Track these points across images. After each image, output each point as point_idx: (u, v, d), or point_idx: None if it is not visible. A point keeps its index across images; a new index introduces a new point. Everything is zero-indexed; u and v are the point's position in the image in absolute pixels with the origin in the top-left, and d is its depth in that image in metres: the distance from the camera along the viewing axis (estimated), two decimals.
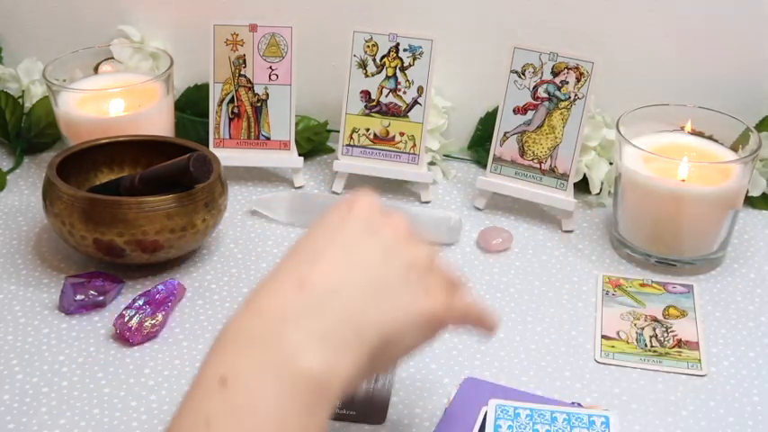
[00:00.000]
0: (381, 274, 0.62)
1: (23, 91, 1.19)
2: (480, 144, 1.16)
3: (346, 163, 1.09)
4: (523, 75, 1.03)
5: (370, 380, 0.82)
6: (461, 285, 0.68)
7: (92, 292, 0.92)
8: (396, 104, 1.07)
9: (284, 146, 1.10)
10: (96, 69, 1.14)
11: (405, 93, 1.07)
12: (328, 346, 0.58)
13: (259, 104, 1.10)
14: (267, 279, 0.62)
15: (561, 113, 1.02)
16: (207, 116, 1.11)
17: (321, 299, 0.59)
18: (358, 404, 0.81)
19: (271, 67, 1.09)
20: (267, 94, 1.10)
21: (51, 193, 0.94)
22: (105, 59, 1.15)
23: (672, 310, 0.93)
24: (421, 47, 1.06)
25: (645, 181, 0.96)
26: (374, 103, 1.08)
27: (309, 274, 0.60)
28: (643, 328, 0.90)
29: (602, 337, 0.89)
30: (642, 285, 0.96)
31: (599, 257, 1.01)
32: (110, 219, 0.91)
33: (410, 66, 1.06)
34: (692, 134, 1.01)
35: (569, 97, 1.02)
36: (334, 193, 1.10)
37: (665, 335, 0.89)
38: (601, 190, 1.08)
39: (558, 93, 1.02)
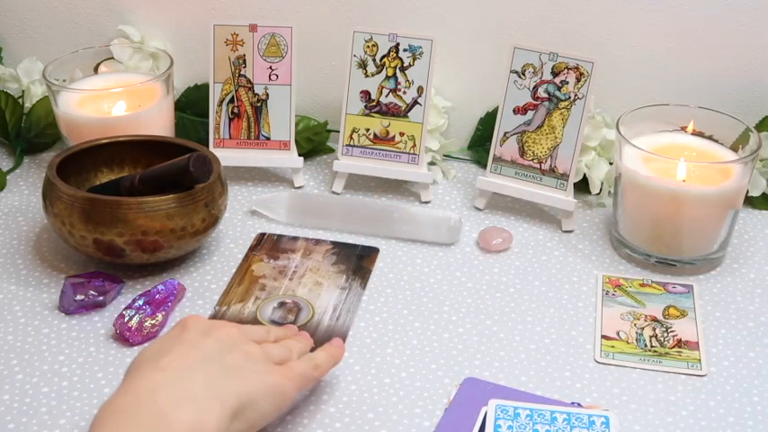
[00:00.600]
0: (227, 358, 0.73)
1: (23, 91, 1.19)
2: (480, 144, 1.16)
3: (346, 163, 1.09)
4: (523, 75, 1.03)
5: (332, 316, 0.91)
6: (292, 360, 0.79)
7: (92, 292, 0.92)
8: (396, 104, 1.07)
9: (284, 146, 1.10)
10: (96, 69, 1.14)
11: (405, 93, 1.07)
12: (196, 406, 0.68)
13: (259, 104, 1.10)
14: (126, 378, 0.72)
15: (561, 113, 1.02)
16: (207, 116, 1.11)
17: (182, 373, 0.70)
18: (319, 338, 0.86)
19: (271, 67, 1.09)
20: (267, 94, 1.10)
21: (51, 193, 0.94)
22: (105, 59, 1.15)
23: (672, 310, 0.93)
24: (421, 47, 1.05)
25: (645, 181, 0.96)
26: (374, 103, 1.08)
27: (166, 361, 0.71)
28: (643, 328, 0.90)
29: (602, 337, 0.89)
30: (642, 285, 0.96)
31: (599, 257, 1.01)
32: (110, 219, 0.91)
33: (410, 66, 1.06)
34: (692, 134, 1.01)
35: (569, 97, 1.02)
36: (334, 193, 1.10)
37: (665, 335, 0.89)
38: (601, 190, 1.08)
39: (558, 93, 1.02)
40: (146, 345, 0.78)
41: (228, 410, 0.70)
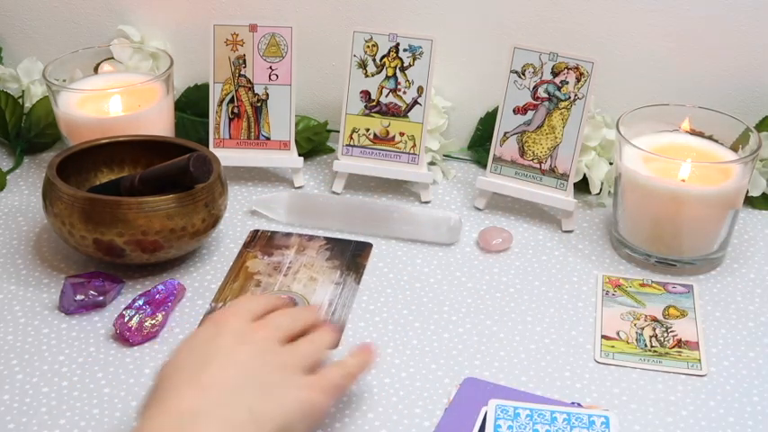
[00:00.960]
0: (264, 374, 0.72)
1: (23, 91, 1.19)
2: (480, 144, 1.16)
3: (346, 163, 1.09)
4: (523, 75, 1.03)
5: (327, 311, 0.92)
6: (325, 367, 0.77)
7: (92, 292, 0.92)
8: (396, 104, 1.07)
9: (284, 146, 1.10)
10: (96, 69, 1.14)
11: (405, 93, 1.07)
12: None
13: (259, 104, 1.10)
14: (161, 387, 0.70)
15: (561, 113, 1.02)
16: (207, 116, 1.11)
17: (222, 396, 0.69)
18: None
19: (271, 67, 1.09)
20: (267, 94, 1.10)
21: (51, 193, 0.94)
22: (105, 59, 1.15)
23: (672, 310, 0.93)
24: (421, 47, 1.05)
25: (645, 181, 0.96)
26: (374, 103, 1.08)
27: (207, 378, 0.69)
28: (643, 328, 0.90)
29: (602, 337, 0.89)
30: (642, 285, 0.96)
31: (599, 257, 1.01)
32: (110, 219, 0.91)
33: (410, 66, 1.06)
34: (692, 134, 1.01)
35: (569, 97, 1.02)
36: (334, 193, 1.10)
37: (665, 335, 0.89)
38: (601, 190, 1.08)
39: (558, 93, 1.02)
40: (179, 344, 0.75)
41: None
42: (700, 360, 0.87)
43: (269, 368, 0.73)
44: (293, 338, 0.77)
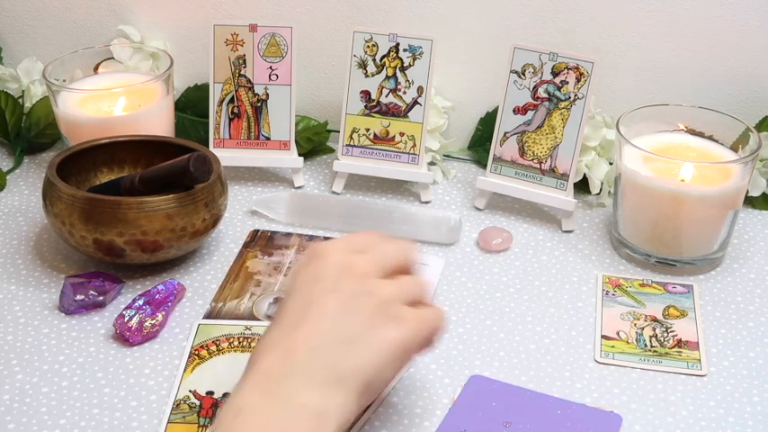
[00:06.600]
0: (350, 326, 0.71)
1: (23, 91, 1.19)
2: (480, 144, 1.16)
3: (346, 163, 1.09)
4: (523, 75, 1.03)
5: None
6: (422, 296, 0.76)
7: (92, 292, 0.92)
8: (396, 104, 1.07)
9: (284, 146, 1.11)
10: (96, 69, 1.14)
11: (405, 93, 1.07)
12: (322, 393, 0.68)
13: (259, 104, 1.10)
14: (262, 342, 0.72)
15: (561, 113, 1.02)
16: (207, 116, 1.11)
17: (306, 359, 0.69)
18: None
19: (271, 67, 1.09)
20: (267, 94, 1.10)
21: (51, 193, 0.94)
22: (105, 59, 1.15)
23: (672, 310, 0.93)
24: (421, 47, 1.06)
25: (645, 181, 0.96)
26: (374, 104, 1.08)
27: (292, 341, 0.70)
28: (643, 328, 0.90)
29: (602, 337, 0.89)
30: (642, 285, 0.96)
31: (599, 257, 1.01)
32: (110, 219, 0.91)
33: (410, 66, 1.06)
34: (692, 134, 1.01)
35: (569, 97, 1.02)
36: (334, 192, 1.10)
37: (665, 335, 0.89)
38: (601, 190, 1.08)
39: (558, 93, 1.02)
40: (287, 290, 0.75)
41: (354, 393, 0.69)
42: (700, 360, 0.87)
43: (356, 316, 0.71)
44: (394, 274, 0.75)
